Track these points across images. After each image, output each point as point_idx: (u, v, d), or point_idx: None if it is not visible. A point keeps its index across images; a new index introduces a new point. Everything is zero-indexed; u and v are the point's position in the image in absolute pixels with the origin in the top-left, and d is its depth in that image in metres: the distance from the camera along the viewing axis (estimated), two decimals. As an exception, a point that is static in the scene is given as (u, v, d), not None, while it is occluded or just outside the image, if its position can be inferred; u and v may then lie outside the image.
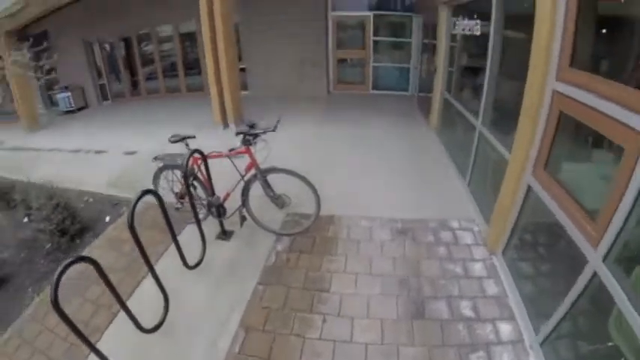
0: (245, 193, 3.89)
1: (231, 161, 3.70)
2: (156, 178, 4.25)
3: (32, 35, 15.14)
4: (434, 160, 5.82)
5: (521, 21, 3.27)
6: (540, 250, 3.03)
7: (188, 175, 3.50)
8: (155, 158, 4.15)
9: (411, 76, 9.88)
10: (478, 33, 4.39)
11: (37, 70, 15.16)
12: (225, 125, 7.60)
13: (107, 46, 13.62)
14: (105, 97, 14.23)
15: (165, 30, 12.11)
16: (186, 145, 3.90)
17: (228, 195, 3.95)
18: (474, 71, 4.89)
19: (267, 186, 3.80)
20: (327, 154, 6.19)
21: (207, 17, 6.77)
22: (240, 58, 10.25)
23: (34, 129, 12.09)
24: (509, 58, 3.69)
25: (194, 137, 3.98)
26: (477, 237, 3.83)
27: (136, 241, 2.63)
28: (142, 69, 12.99)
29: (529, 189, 2.85)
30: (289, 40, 9.89)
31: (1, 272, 4.17)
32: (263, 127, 3.71)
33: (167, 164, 4.04)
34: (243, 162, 3.77)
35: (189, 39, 11.77)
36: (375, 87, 10.35)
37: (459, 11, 5.33)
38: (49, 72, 15.21)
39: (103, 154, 7.64)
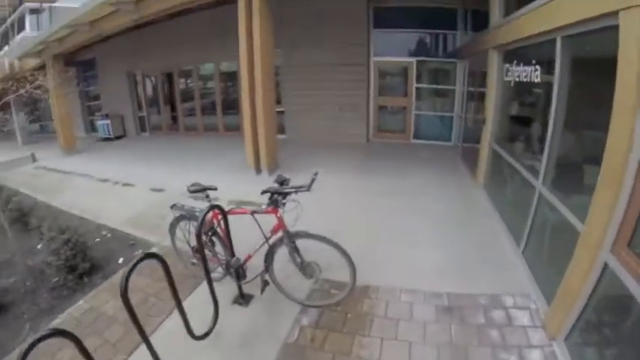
0: (269, 258, 3.36)
1: (255, 220, 3.20)
2: (172, 227, 3.88)
3: (81, 61, 15.99)
4: (482, 221, 5.10)
5: (597, 65, 2.79)
6: (614, 339, 2.37)
7: (203, 234, 3.09)
8: (173, 206, 3.76)
9: (454, 125, 9.37)
10: (537, 80, 3.87)
11: (82, 95, 15.79)
12: (258, 170, 7.28)
13: (150, 79, 13.96)
14: (143, 129, 14.60)
15: (207, 68, 12.32)
16: (207, 196, 3.52)
17: (249, 257, 3.43)
18: (529, 122, 4.32)
19: (295, 251, 3.27)
20: (364, 212, 5.58)
21: (246, 61, 6.66)
22: (278, 101, 10.19)
23: (70, 151, 12.53)
24: (579, 109, 3.14)
25: (215, 189, 3.56)
26: (534, 317, 3.13)
27: (129, 312, 2.20)
28: (181, 104, 13.24)
29: (606, 267, 2.29)
30: (329, 85, 9.73)
31: (3, 299, 4.01)
32: (295, 184, 3.22)
33: (184, 215, 3.62)
34: (269, 220, 3.26)
35: (230, 78, 11.95)
36: (416, 136, 9.86)
37: (511, 56, 4.83)
38: (93, 98, 15.83)
39: (130, 188, 7.59)
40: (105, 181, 8.24)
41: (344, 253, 3.14)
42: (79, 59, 15.92)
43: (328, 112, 9.96)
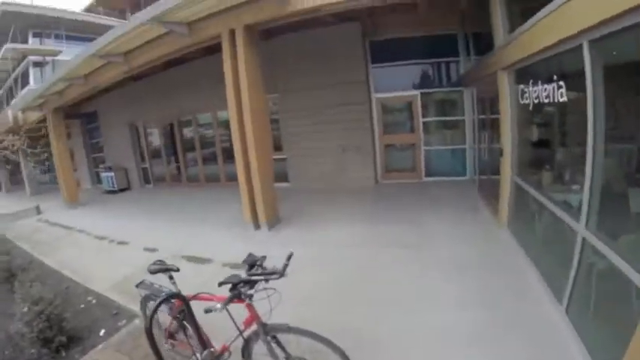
0: (245, 353, 2.65)
1: (226, 310, 2.47)
2: (143, 306, 3.23)
3: (84, 114, 16.11)
4: (510, 270, 4.20)
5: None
6: None
7: (172, 317, 2.59)
8: (139, 285, 3.13)
9: (467, 158, 8.65)
10: (562, 98, 3.21)
11: (87, 146, 15.79)
12: (257, 226, 6.60)
13: (151, 131, 13.75)
14: (147, 181, 14.33)
15: (206, 118, 12.14)
16: (170, 277, 2.92)
17: (225, 348, 2.74)
18: (556, 148, 3.71)
19: (276, 346, 2.54)
20: (368, 270, 4.71)
21: (234, 108, 6.25)
22: (279, 148, 9.79)
23: (74, 204, 12.47)
24: (626, 126, 2.47)
25: (177, 270, 2.99)
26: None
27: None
28: (183, 155, 12.93)
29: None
30: (331, 128, 9.15)
31: None
32: (268, 267, 2.54)
33: (149, 295, 3.00)
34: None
35: (229, 127, 11.46)
36: (428, 173, 9.09)
37: (525, 76, 4.21)
38: (98, 150, 15.79)
39: (125, 247, 7.17)
40: (102, 238, 7.95)
41: (339, 352, 2.44)
42: (83, 112, 16.10)
43: (332, 156, 9.33)
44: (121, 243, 7.37)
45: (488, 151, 6.61)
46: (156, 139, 13.82)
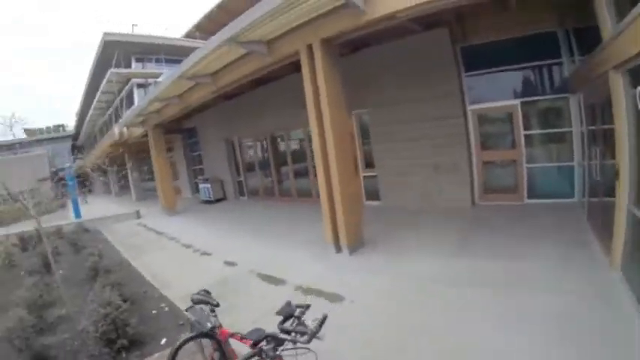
0: None
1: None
2: (190, 330, 3.12)
3: (185, 129, 17.52)
4: (615, 339, 2.98)
5: None
6: None
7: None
8: (188, 309, 3.00)
9: (576, 177, 7.36)
10: None
11: (189, 159, 17.19)
12: (338, 248, 6.26)
13: (246, 146, 14.45)
14: (242, 193, 14.96)
15: (298, 133, 12.17)
16: (212, 310, 2.79)
17: None
18: None
19: None
20: (445, 319, 3.80)
21: (315, 122, 6.05)
22: (371, 165, 9.41)
23: (170, 212, 13.56)
24: None
25: (217, 305, 2.89)
26: None
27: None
28: (275, 170, 13.09)
29: None
30: (423, 144, 8.42)
31: (47, 352, 4.14)
32: (300, 326, 2.07)
33: (194, 323, 2.84)
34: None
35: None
36: (531, 194, 7.84)
37: None
38: (198, 162, 17.07)
39: (208, 258, 7.45)
40: (188, 247, 8.44)
41: None
42: (184, 127, 17.54)
43: (425, 174, 8.57)
44: (204, 254, 7.65)
45: (600, 169, 5.48)
46: (250, 153, 14.45)
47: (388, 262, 5.62)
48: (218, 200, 15.03)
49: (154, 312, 5.10)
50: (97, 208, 21.87)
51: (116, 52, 18.09)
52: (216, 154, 15.37)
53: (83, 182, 44.27)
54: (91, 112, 22.56)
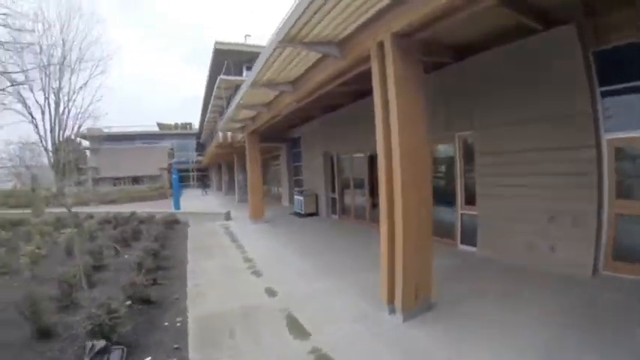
0: None
1: None
2: None
3: (290, 139, 17.44)
4: None
5: None
6: None
7: None
8: None
9: None
10: None
11: (291, 169, 17.16)
12: (391, 309, 4.69)
13: (343, 161, 13.43)
14: (334, 211, 14.04)
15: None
16: None
17: None
18: None
19: None
20: None
21: (382, 146, 4.73)
22: (473, 201, 7.49)
23: (256, 219, 13.46)
24: None
25: None
26: None
27: None
28: (369, 191, 11.55)
29: None
30: (536, 182, 6.32)
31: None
32: None
33: None
34: None
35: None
36: None
37: None
38: (298, 173, 16.90)
39: (255, 280, 6.73)
40: (247, 261, 8.00)
41: None
42: (289, 136, 17.46)
43: (535, 223, 6.33)
44: (256, 273, 7.03)
45: None
46: (347, 170, 13.29)
47: (450, 345, 3.89)
48: (309, 215, 14.39)
49: (165, 324, 4.84)
50: (199, 202, 23.61)
51: (226, 60, 18.94)
52: (315, 167, 14.85)
53: (203, 177, 49.52)
54: (208, 114, 24.24)
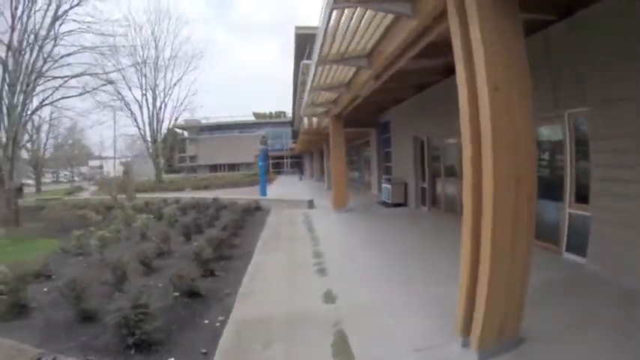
0: None
1: None
2: None
3: (380, 123, 16.40)
4: None
5: None
6: None
7: None
8: None
9: None
10: None
11: (381, 155, 16.27)
12: (465, 342, 3.51)
13: (434, 146, 11.95)
14: (423, 202, 12.65)
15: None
16: None
17: None
18: None
19: None
20: None
21: (467, 119, 3.46)
22: (585, 199, 5.66)
23: (339, 208, 12.90)
24: None
25: None
26: None
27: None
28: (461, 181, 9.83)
29: None
30: None
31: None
32: None
33: None
34: None
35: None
36: None
37: None
38: (388, 160, 15.87)
39: (317, 280, 5.92)
40: (317, 256, 7.22)
41: None
42: (379, 121, 16.41)
43: None
44: (320, 272, 6.24)
45: None
46: (439, 156, 11.69)
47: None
48: (396, 205, 13.24)
49: (205, 322, 4.50)
50: (287, 189, 23.77)
51: (308, 45, 18.46)
52: (404, 153, 13.59)
53: (297, 164, 50.99)
54: (297, 101, 24.26)
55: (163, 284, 5.45)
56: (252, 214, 12.77)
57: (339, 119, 12.67)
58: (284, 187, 25.44)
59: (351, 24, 5.06)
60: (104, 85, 24.10)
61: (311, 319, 4.43)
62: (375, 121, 16.74)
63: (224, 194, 17.82)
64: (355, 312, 4.52)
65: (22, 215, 16.68)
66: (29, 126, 26.02)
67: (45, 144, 35.89)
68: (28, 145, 30.39)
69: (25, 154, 29.11)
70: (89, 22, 20.82)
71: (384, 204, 13.79)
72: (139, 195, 19.85)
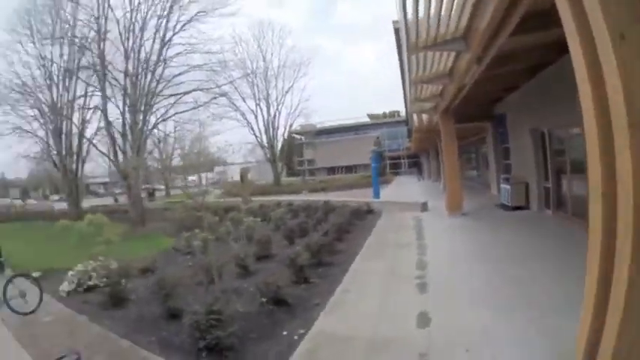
0: None
1: None
2: None
3: (495, 116, 14.75)
4: None
5: None
6: None
7: None
8: None
9: None
10: None
11: (499, 151, 14.73)
12: None
13: (558, 138, 10.08)
14: (547, 205, 10.74)
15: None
16: None
17: None
18: None
19: None
20: None
21: (588, 88, 2.28)
22: None
23: (454, 212, 11.86)
24: None
25: None
26: None
27: None
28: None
29: None
30: None
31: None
32: None
33: None
34: None
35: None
36: None
37: None
38: (506, 157, 14.19)
39: (416, 299, 5.15)
40: (421, 268, 6.45)
41: None
42: (495, 113, 14.77)
43: None
44: (420, 286, 5.52)
45: None
46: (564, 150, 9.72)
47: None
48: (516, 208, 11.52)
49: (284, 333, 4.34)
50: (402, 190, 22.83)
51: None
52: (522, 148, 11.77)
53: (415, 164, 49.37)
54: (406, 98, 23.32)
55: (255, 288, 5.49)
56: (362, 218, 12.53)
57: (448, 114, 11.67)
58: (399, 189, 24.69)
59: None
60: (215, 98, 26.56)
61: (396, 346, 3.85)
62: (488, 114, 15.06)
63: (338, 197, 17.93)
64: (448, 343, 3.79)
65: (149, 216, 18.96)
66: (155, 138, 29.32)
67: (172, 153, 40.37)
68: (156, 155, 34.37)
69: (155, 164, 33.03)
70: (193, 44, 23.89)
71: (503, 207, 12.27)
72: (256, 198, 21.01)
